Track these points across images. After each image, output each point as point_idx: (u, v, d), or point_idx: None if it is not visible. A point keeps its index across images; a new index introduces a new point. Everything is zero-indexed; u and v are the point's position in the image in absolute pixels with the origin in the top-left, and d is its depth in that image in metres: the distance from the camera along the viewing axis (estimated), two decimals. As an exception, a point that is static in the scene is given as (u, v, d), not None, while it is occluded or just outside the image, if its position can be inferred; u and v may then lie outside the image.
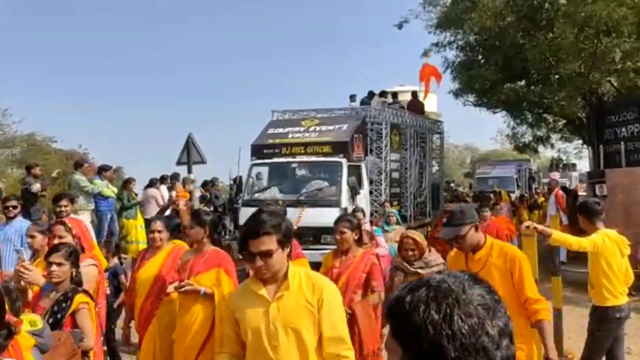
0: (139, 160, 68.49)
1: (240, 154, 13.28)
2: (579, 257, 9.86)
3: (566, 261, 12.64)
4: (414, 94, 18.21)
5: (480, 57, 18.69)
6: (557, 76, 16.51)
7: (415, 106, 17.21)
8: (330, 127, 12.97)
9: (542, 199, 22.05)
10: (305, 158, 12.66)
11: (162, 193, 14.39)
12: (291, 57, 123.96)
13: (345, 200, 11.79)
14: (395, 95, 17.65)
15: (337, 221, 5.45)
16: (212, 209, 15.87)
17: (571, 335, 7.86)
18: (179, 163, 14.73)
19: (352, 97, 16.60)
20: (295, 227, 11.12)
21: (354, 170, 12.58)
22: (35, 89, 76.01)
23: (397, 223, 10.48)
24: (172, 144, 73.02)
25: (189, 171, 15.17)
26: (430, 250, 5.63)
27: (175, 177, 15.80)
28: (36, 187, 12.06)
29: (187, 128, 72.76)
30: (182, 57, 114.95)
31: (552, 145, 25.24)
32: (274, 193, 12.55)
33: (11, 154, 23.92)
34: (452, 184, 32.15)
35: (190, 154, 14.60)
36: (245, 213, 12.13)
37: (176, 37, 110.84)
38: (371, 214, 12.84)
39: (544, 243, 6.77)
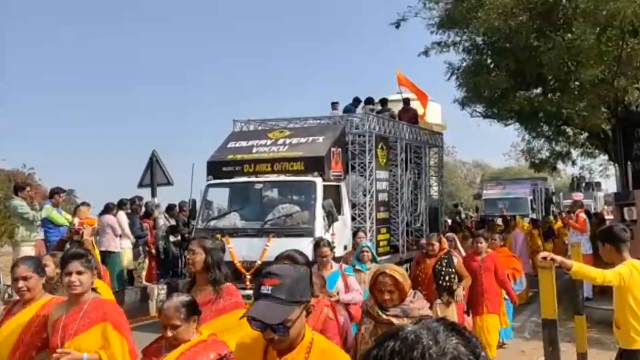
0: (94, 183, 64.31)
1: (193, 172, 11.74)
2: (606, 292, 8.70)
3: (592, 297, 11.91)
4: (406, 101, 16.46)
5: (489, 61, 17.20)
6: (577, 83, 15.07)
7: (408, 115, 15.57)
8: (303, 140, 11.38)
9: (558, 224, 20.13)
10: (272, 177, 11.09)
11: (120, 221, 13.02)
12: (270, 59, 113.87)
13: (320, 228, 10.23)
14: (384, 102, 15.89)
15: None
16: (179, 237, 14.32)
17: (598, 385, 7.55)
18: (141, 185, 14.22)
19: (334, 105, 15.02)
20: (259, 262, 9.75)
21: (332, 192, 11.02)
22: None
23: (373, 260, 8.41)
24: (133, 163, 68.53)
25: (153, 195, 14.25)
26: (414, 295, 4.47)
27: (134, 201, 14.43)
28: None
29: (151, 145, 65.66)
30: (144, 63, 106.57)
31: (574, 162, 24.01)
32: (233, 220, 10.98)
33: None
34: (460, 207, 30.32)
35: (154, 174, 13.77)
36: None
37: (134, 45, 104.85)
38: (353, 245, 11.17)
39: (565, 276, 6.64)
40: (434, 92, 24.62)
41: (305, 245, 9.45)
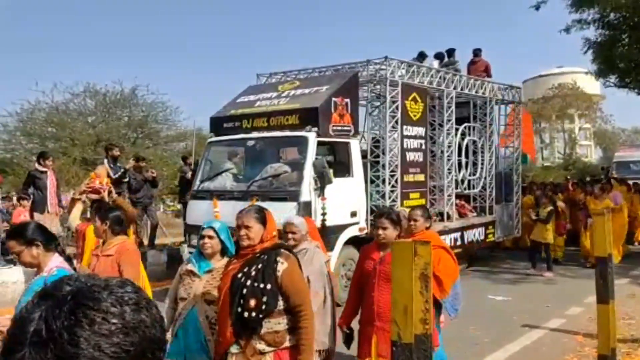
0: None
1: (194, 130, 9.79)
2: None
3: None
4: (476, 52, 13.16)
5: (623, 35, 16.29)
6: None
7: (476, 67, 12.53)
8: (307, 91, 9.25)
9: None
10: (264, 133, 9.05)
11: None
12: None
13: (307, 192, 8.09)
14: (451, 53, 12.64)
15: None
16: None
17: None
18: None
19: (422, 55, 12.05)
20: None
21: (338, 150, 8.94)
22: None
23: (225, 253, 4.08)
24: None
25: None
26: None
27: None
28: (190, 174, 12.06)
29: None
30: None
31: None
32: (224, 182, 9.20)
33: (184, 146, 24.39)
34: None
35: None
36: (192, 208, 8.73)
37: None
38: (371, 212, 8.58)
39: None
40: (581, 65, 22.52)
41: (289, 210, 7.27)
